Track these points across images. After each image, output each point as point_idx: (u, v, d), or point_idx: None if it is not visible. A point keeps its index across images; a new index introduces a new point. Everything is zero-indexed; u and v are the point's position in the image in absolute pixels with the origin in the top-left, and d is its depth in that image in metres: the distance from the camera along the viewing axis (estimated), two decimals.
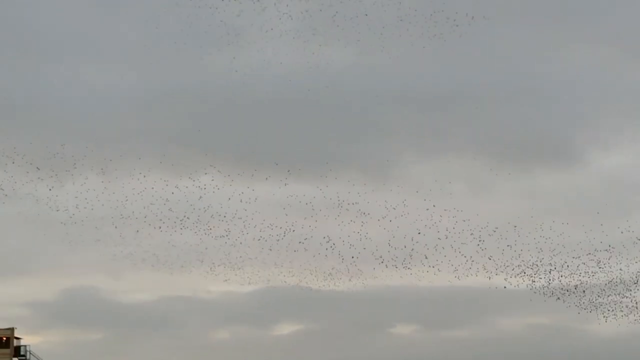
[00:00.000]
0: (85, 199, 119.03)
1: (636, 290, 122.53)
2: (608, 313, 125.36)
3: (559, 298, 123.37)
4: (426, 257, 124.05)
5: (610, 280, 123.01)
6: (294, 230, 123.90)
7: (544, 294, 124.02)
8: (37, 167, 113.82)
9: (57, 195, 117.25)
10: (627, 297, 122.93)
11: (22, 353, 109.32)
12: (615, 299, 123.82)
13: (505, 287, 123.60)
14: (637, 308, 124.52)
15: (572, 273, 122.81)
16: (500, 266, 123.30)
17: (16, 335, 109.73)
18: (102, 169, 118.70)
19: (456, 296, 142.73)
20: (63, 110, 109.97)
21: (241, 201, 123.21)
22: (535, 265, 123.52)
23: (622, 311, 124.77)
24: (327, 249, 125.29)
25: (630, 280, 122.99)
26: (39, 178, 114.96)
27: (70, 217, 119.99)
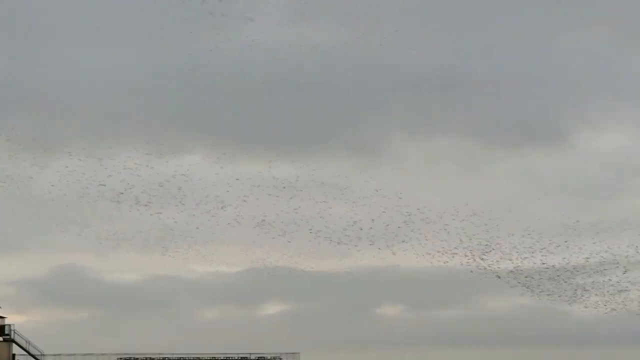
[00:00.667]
0: (72, 178, 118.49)
1: (624, 271, 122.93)
2: (593, 294, 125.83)
3: (542, 277, 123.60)
4: (414, 238, 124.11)
5: (598, 261, 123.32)
6: (281, 210, 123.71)
7: (528, 274, 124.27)
8: (25, 147, 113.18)
9: (44, 174, 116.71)
10: (614, 278, 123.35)
11: (6, 332, 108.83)
12: (601, 280, 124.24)
13: (492, 268, 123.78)
14: (624, 290, 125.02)
15: (560, 253, 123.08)
16: (489, 246, 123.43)
17: (1, 314, 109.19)
18: (88, 148, 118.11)
19: (443, 277, 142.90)
20: (50, 91, 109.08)
21: (228, 182, 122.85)
22: (524, 246, 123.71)
23: (608, 292, 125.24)
24: (314, 229, 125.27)
25: (618, 261, 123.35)
26: (26, 157, 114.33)
27: (57, 196, 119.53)
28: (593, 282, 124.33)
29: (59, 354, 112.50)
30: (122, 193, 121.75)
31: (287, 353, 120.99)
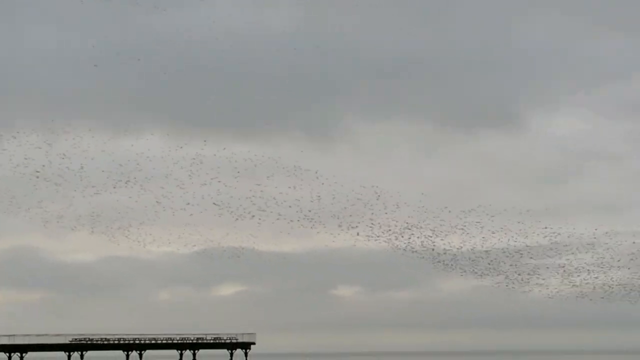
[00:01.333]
0: (26, 157, 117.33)
1: (570, 254, 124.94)
2: (545, 276, 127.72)
3: (497, 260, 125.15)
4: (369, 219, 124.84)
5: (551, 242, 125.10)
6: (237, 191, 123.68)
7: (482, 257, 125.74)
8: None
9: None
10: (564, 260, 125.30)
11: None
12: (552, 262, 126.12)
13: (445, 249, 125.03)
14: (571, 272, 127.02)
15: (511, 236, 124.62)
16: (442, 228, 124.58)
17: None
18: (42, 129, 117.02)
19: (397, 259, 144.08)
20: (7, 69, 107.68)
21: (184, 162, 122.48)
22: (475, 228, 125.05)
23: (558, 274, 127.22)
24: (270, 210, 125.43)
25: (568, 244, 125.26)
26: None
27: (10, 176, 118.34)
28: (546, 264, 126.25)
29: (13, 335, 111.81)
30: (76, 173, 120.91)
31: (243, 334, 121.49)
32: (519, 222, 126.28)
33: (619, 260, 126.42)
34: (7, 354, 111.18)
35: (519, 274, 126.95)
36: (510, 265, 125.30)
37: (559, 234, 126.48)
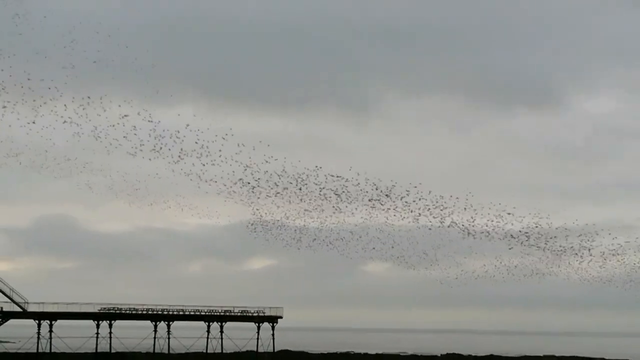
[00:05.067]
0: (62, 127, 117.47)
1: (604, 236, 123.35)
2: (575, 258, 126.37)
3: (530, 240, 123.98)
4: (401, 196, 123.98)
5: (583, 224, 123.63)
6: (269, 165, 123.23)
7: (515, 237, 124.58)
8: (15, 96, 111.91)
9: (33, 123, 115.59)
10: (594, 242, 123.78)
11: None
12: (583, 244, 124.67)
13: (476, 228, 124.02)
14: (603, 254, 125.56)
15: (544, 216, 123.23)
16: (474, 207, 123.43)
17: None
18: (78, 97, 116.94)
19: (428, 236, 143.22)
20: (39, 39, 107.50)
21: (217, 135, 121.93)
22: (509, 208, 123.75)
23: (589, 256, 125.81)
24: (302, 185, 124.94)
25: (599, 225, 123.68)
26: (15, 106, 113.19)
27: (47, 146, 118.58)
28: (578, 245, 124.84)
29: (43, 302, 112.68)
30: (111, 143, 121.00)
31: (270, 307, 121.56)
32: (552, 202, 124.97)
33: None
34: (37, 322, 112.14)
35: (552, 255, 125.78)
36: (544, 246, 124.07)
37: (592, 213, 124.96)
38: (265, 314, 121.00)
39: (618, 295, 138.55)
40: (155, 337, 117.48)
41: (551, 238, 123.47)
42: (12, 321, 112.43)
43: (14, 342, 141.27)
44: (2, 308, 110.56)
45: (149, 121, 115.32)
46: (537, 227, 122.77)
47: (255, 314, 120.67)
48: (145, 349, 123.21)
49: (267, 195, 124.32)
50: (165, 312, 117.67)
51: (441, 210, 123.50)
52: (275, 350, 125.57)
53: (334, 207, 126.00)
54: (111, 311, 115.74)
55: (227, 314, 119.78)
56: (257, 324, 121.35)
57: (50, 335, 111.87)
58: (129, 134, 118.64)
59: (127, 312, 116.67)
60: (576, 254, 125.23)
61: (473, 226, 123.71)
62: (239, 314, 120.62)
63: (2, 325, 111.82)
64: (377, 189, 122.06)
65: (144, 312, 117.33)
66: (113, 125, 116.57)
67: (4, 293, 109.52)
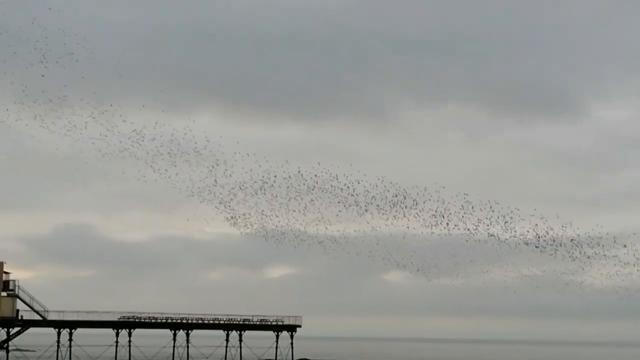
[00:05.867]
0: (80, 135, 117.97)
1: (619, 246, 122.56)
2: (593, 265, 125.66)
3: (547, 249, 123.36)
4: (419, 204, 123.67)
5: (601, 233, 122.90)
6: (289, 173, 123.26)
7: (532, 245, 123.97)
8: (33, 101, 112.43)
9: (51, 132, 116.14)
10: (613, 250, 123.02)
11: (10, 288, 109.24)
12: (600, 252, 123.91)
13: (496, 237, 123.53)
14: (620, 262, 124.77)
15: (562, 225, 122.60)
16: (495, 216, 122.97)
17: (5, 269, 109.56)
18: (95, 104, 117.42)
19: (447, 245, 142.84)
20: (59, 45, 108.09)
21: (238, 141, 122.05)
22: (527, 216, 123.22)
23: (608, 265, 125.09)
24: (322, 193, 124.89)
25: (616, 234, 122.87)
26: (33, 113, 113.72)
27: (66, 154, 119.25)
28: (596, 254, 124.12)
29: (63, 311, 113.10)
30: (129, 151, 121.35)
31: (289, 316, 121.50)
32: (569, 211, 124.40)
33: None
34: (57, 330, 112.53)
35: (569, 263, 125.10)
36: (563, 254, 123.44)
37: (609, 222, 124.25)
38: (284, 323, 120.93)
39: None
40: (174, 346, 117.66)
41: (570, 247, 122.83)
42: (32, 329, 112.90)
43: (34, 351, 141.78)
44: (22, 316, 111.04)
45: (167, 129, 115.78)
46: (555, 235, 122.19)
47: (274, 323, 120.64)
48: (165, 357, 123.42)
49: (286, 204, 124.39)
50: (184, 321, 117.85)
51: (459, 218, 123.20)
52: (294, 359, 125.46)
53: (352, 215, 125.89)
54: (130, 320, 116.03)
55: (246, 322, 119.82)
56: (275, 333, 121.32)
57: (70, 343, 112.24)
58: (147, 142, 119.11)
59: (147, 320, 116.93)
60: (601, 263, 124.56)
61: (492, 235, 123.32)
62: (257, 322, 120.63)
63: (22, 334, 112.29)
64: (395, 197, 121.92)
65: (163, 321, 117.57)
66: (132, 132, 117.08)
67: (24, 301, 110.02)
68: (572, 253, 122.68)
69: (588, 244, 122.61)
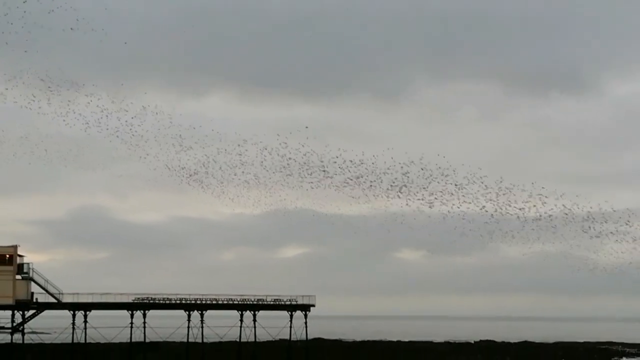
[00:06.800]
0: (94, 118, 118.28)
1: (635, 222, 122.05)
2: (612, 242, 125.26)
3: (563, 226, 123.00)
4: (433, 183, 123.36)
5: (614, 209, 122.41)
6: (303, 153, 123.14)
7: (549, 221, 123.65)
8: (48, 86, 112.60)
9: (66, 114, 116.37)
10: (627, 226, 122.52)
11: (25, 271, 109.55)
12: (613, 228, 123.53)
13: (510, 214, 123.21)
14: (634, 239, 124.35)
15: (574, 202, 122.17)
16: (507, 193, 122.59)
17: (20, 252, 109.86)
18: (109, 88, 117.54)
19: (461, 223, 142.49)
20: (74, 31, 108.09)
21: (250, 122, 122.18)
22: (539, 194, 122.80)
23: (620, 240, 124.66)
24: (335, 173, 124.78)
25: (629, 211, 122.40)
26: (48, 97, 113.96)
27: (79, 137, 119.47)
28: (609, 230, 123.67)
29: (77, 293, 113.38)
30: (142, 135, 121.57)
31: (303, 296, 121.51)
32: (583, 188, 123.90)
33: None
34: (72, 312, 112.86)
35: (590, 240, 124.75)
36: (580, 231, 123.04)
37: (622, 199, 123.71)
38: (298, 303, 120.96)
39: None
40: (188, 327, 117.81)
41: (586, 223, 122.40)
42: (47, 312, 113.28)
43: (49, 333, 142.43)
44: (37, 299, 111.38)
45: (182, 110, 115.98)
46: (571, 212, 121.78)
47: (287, 303, 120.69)
48: (179, 338, 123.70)
49: (300, 183, 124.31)
50: (199, 302, 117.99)
51: (474, 196, 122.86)
52: (308, 339, 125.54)
53: (365, 194, 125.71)
54: (145, 301, 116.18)
55: (260, 302, 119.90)
56: (289, 313, 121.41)
57: (85, 325, 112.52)
58: (162, 124, 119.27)
59: (161, 302, 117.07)
60: (614, 239, 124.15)
61: (508, 212, 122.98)
62: (271, 302, 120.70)
63: (37, 316, 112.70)
64: (407, 175, 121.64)
65: (178, 302, 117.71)
66: (146, 116, 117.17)
67: (38, 284, 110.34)
68: (591, 229, 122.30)
69: (607, 220, 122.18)
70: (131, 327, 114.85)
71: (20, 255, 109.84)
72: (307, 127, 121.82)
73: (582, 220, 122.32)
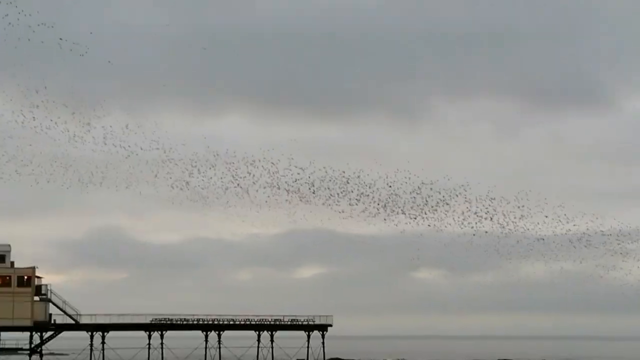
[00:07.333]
0: (111, 137, 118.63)
1: None
2: (633, 260, 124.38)
3: (582, 244, 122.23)
4: (448, 202, 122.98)
5: (637, 227, 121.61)
6: (318, 172, 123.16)
7: (567, 239, 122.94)
8: (65, 105, 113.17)
9: (83, 133, 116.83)
10: None
11: (43, 292, 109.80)
12: (635, 246, 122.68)
13: (528, 232, 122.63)
14: None
15: (594, 219, 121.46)
16: (525, 211, 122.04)
17: (38, 274, 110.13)
18: (126, 107, 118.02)
19: (479, 241, 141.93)
20: (91, 48, 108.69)
21: (266, 142, 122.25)
22: (559, 211, 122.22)
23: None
24: (351, 191, 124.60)
25: None
26: (65, 116, 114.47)
27: (96, 156, 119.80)
28: (630, 248, 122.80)
29: (95, 314, 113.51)
30: (163, 154, 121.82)
31: (320, 315, 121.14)
32: (603, 205, 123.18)
33: None
34: (89, 333, 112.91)
35: (609, 258, 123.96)
36: (600, 248, 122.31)
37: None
38: (315, 323, 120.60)
39: None
40: (206, 347, 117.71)
41: (606, 240, 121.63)
42: (65, 333, 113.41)
43: (67, 354, 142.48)
44: (55, 320, 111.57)
45: (198, 131, 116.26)
46: (591, 229, 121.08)
47: (305, 323, 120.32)
48: (197, 359, 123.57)
49: (316, 203, 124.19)
50: (216, 322, 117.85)
51: (492, 214, 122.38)
52: (326, 359, 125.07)
53: (382, 213, 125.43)
54: (163, 322, 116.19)
55: (277, 322, 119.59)
56: (307, 333, 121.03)
57: (103, 346, 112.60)
58: (177, 145, 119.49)
59: (179, 322, 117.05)
60: (635, 257, 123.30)
61: (526, 229, 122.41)
62: (289, 322, 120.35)
63: (55, 338, 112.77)
64: (420, 193, 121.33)
65: (195, 322, 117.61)
66: (163, 135, 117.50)
67: (56, 305, 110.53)
68: (610, 247, 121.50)
69: (625, 237, 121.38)
70: (149, 347, 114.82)
71: (38, 277, 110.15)
72: (322, 147, 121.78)
73: (604, 238, 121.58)
